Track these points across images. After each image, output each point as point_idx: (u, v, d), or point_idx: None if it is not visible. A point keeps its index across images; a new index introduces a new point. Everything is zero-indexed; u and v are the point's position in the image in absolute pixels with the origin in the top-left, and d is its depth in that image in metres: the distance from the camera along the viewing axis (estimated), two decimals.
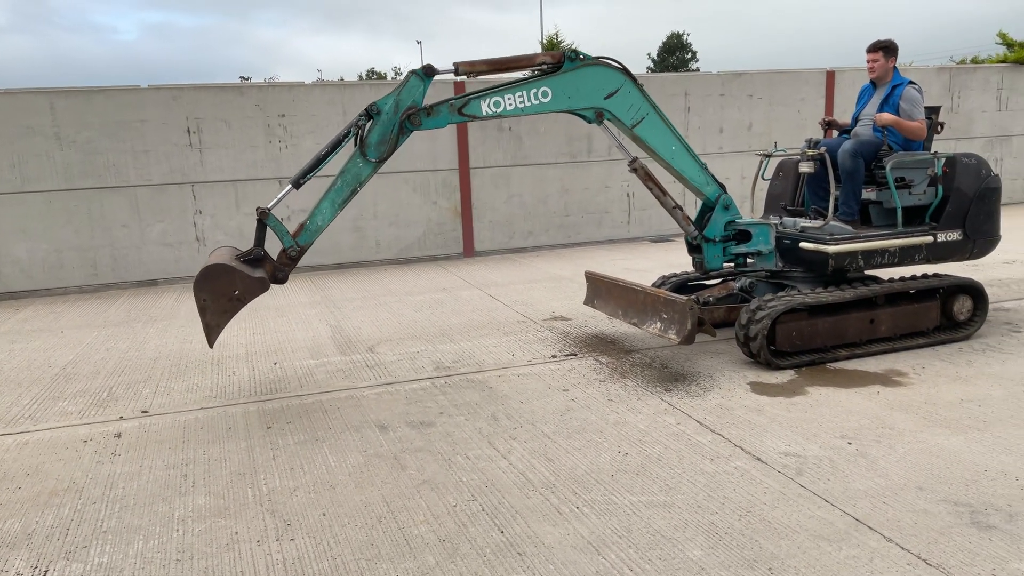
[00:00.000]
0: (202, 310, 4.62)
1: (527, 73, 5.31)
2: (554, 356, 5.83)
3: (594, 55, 5.23)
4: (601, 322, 6.77)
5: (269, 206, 4.87)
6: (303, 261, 10.39)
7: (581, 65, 5.19)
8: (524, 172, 11.28)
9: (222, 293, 4.57)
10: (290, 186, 4.93)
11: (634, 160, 5.49)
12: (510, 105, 5.08)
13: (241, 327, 7.20)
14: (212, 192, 10.02)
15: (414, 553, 3.11)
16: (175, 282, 9.98)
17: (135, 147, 9.66)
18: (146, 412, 4.96)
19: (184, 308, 8.25)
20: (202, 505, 3.62)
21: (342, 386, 5.33)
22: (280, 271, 4.90)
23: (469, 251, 11.21)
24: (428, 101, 5.02)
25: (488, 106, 5.05)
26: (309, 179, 4.93)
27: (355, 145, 4.94)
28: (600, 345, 6.06)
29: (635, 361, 5.60)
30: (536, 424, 4.45)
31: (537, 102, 5.14)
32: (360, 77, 40.39)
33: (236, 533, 3.34)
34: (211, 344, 4.79)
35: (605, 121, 5.34)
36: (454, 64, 4.98)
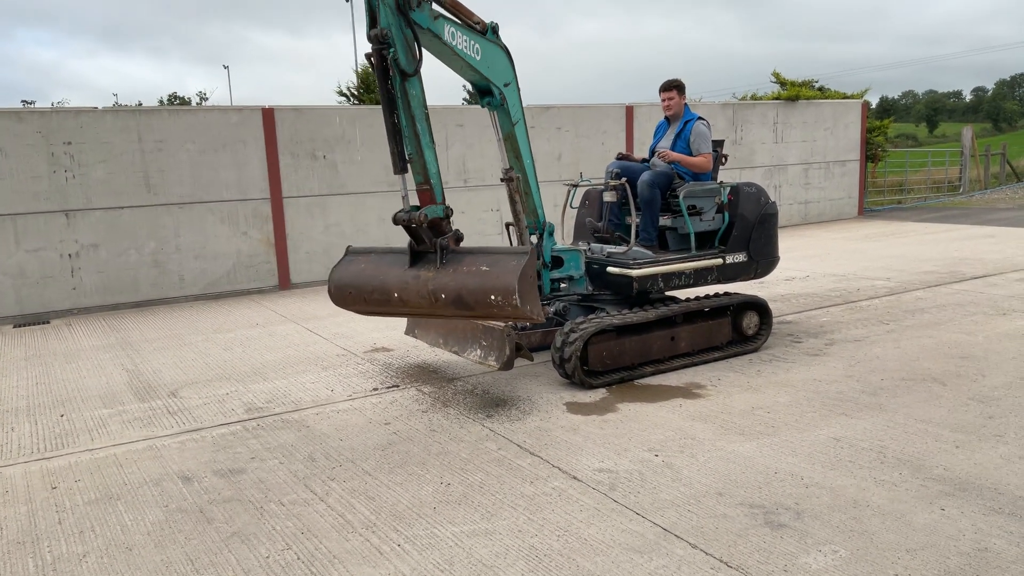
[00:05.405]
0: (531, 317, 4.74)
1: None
2: (375, 389, 5.72)
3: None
4: (423, 352, 6.73)
5: (416, 207, 4.81)
6: (93, 301, 9.64)
7: (497, 44, 5.40)
8: (342, 201, 11.06)
9: (532, 286, 4.71)
10: (399, 176, 4.85)
11: (510, 170, 5.62)
12: (458, 44, 5.12)
13: (22, 376, 6.46)
14: None
15: None
16: None
17: None
18: None
19: None
20: None
21: (140, 436, 4.91)
22: (454, 234, 4.97)
23: (285, 283, 10.80)
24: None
25: (449, 33, 5.06)
26: (410, 153, 4.79)
27: (396, 79, 4.64)
28: (422, 375, 6.03)
29: (457, 389, 5.62)
30: (356, 462, 4.32)
31: (471, 54, 5.22)
32: (160, 102, 38.00)
33: None
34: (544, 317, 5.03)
35: (492, 112, 5.53)
36: None
